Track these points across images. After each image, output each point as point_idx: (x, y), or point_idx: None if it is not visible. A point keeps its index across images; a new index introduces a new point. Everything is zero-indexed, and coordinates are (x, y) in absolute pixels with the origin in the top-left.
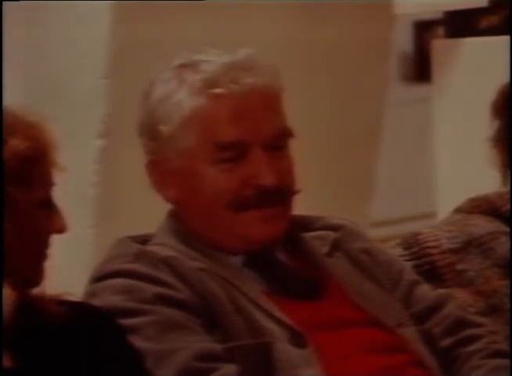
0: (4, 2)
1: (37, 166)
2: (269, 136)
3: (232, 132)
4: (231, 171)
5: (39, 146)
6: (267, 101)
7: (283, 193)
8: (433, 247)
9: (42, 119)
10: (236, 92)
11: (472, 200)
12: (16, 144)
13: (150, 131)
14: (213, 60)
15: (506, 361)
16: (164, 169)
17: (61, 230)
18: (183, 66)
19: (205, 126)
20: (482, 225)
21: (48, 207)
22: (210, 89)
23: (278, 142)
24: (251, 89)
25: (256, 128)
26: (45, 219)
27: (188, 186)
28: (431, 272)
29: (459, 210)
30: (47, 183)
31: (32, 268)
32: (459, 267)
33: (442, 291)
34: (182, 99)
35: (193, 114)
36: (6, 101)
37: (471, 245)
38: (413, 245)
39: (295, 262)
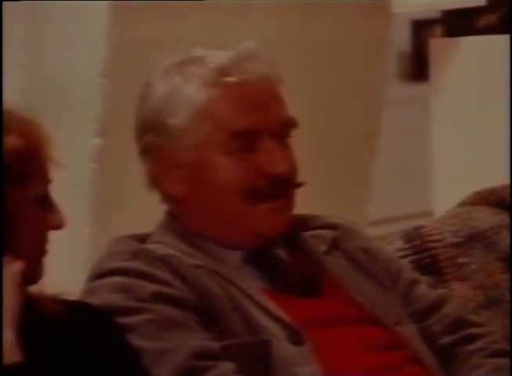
0: (4, 2)
1: (33, 163)
2: (279, 125)
3: (246, 120)
4: (244, 161)
5: (34, 142)
6: (273, 90)
7: (291, 183)
8: (436, 240)
9: (35, 116)
10: (246, 81)
11: (477, 193)
12: (10, 142)
13: (156, 127)
14: (218, 54)
15: (507, 360)
16: (169, 165)
17: (59, 226)
18: (184, 62)
19: (218, 115)
20: (485, 219)
21: (44, 203)
22: (221, 78)
23: (285, 131)
24: (259, 78)
25: (266, 116)
26: (41, 215)
27: (197, 180)
28: (432, 266)
29: (463, 203)
30: (43, 179)
31: (31, 264)
32: (461, 261)
33: (442, 290)
34: (191, 91)
35: (206, 105)
36: (5, 100)
37: (474, 239)
38: (415, 238)
39: (294, 260)
